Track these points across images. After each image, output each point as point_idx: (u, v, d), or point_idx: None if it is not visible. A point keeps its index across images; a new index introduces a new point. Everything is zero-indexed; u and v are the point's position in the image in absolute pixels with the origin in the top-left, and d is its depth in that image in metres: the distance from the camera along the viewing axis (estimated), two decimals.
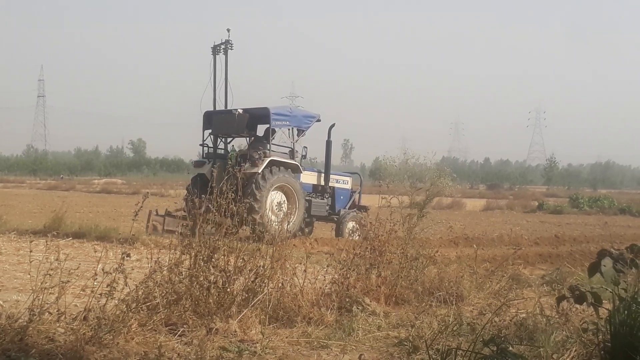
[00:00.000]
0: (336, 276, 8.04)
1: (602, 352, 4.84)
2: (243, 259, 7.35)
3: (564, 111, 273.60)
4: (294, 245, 8.43)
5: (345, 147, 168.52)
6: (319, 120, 19.43)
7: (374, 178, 66.46)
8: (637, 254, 5.52)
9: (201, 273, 6.95)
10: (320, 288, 7.84)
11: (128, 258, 6.50)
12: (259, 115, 18.52)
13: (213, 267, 7.06)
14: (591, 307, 5.31)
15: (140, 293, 6.53)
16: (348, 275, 8.07)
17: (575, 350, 5.81)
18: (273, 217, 16.60)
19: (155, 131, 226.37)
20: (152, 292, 6.58)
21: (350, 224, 19.12)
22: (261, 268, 7.40)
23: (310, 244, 14.70)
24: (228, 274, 7.12)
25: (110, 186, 62.00)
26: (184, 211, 7.35)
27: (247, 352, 6.01)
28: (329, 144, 19.41)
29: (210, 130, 19.08)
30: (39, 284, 5.84)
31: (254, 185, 16.80)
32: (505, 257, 11.79)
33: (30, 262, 6.15)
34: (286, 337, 6.63)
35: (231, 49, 29.05)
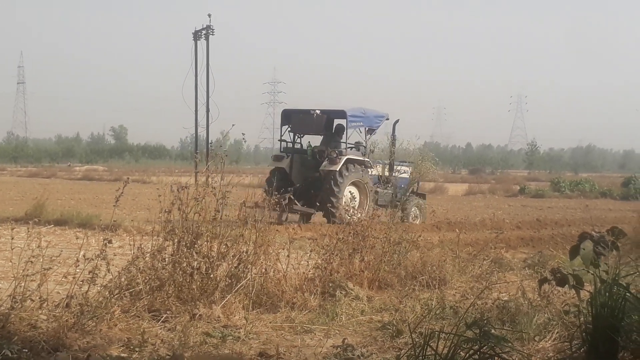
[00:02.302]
0: (319, 261, 8.06)
1: (584, 333, 4.87)
2: (226, 244, 7.36)
3: (545, 96, 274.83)
4: (277, 230, 8.43)
5: None
6: (387, 119, 20.74)
7: None
8: (618, 237, 5.56)
9: (184, 259, 6.95)
10: (304, 273, 7.86)
11: (110, 244, 6.49)
12: (336, 116, 20.05)
13: (196, 253, 7.06)
14: (573, 289, 5.36)
15: (122, 279, 6.52)
16: (331, 260, 8.09)
17: (557, 332, 5.87)
18: (349, 210, 17.59)
19: (136, 117, 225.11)
20: (135, 279, 6.58)
21: (414, 209, 20.44)
22: (244, 254, 7.41)
23: (294, 230, 14.69)
24: (211, 260, 7.12)
25: (91, 173, 61.50)
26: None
27: (230, 337, 6.02)
28: (393, 138, 20.88)
29: (288, 127, 20.17)
30: (21, 271, 5.81)
31: (332, 181, 18.24)
32: (488, 241, 11.84)
33: (12, 249, 6.11)
34: (270, 322, 6.65)
35: (212, 35, 28.98)
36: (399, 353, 5.38)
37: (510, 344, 5.08)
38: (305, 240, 11.41)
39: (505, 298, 7.29)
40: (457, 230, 13.00)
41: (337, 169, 18.35)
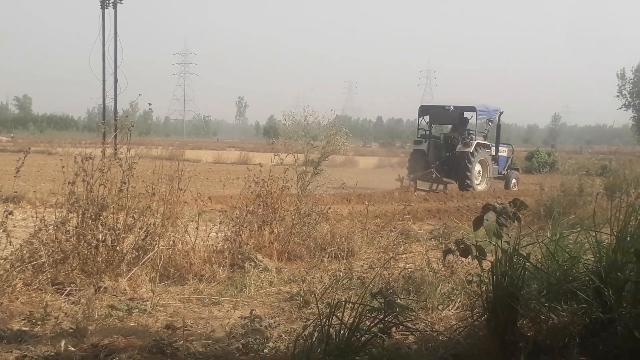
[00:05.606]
0: (229, 233, 8.04)
1: (485, 302, 5.00)
2: (133, 217, 7.25)
3: (453, 70, 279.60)
4: (185, 202, 8.33)
5: (240, 105, 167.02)
6: (501, 112, 26.19)
7: (268, 137, 66.63)
8: (519, 208, 5.71)
9: (89, 231, 6.82)
10: (213, 245, 7.83)
11: (11, 216, 6.32)
12: (466, 110, 25.13)
13: (101, 225, 6.93)
14: (475, 259, 5.48)
15: (24, 252, 6.37)
16: (241, 232, 8.09)
17: (460, 301, 6.03)
18: (476, 181, 24.11)
19: (41, 87, 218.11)
20: (38, 251, 6.44)
21: (514, 180, 25.95)
22: (152, 226, 7.32)
23: (203, 202, 14.56)
24: (117, 232, 7.01)
25: None
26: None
27: (136, 310, 5.96)
28: (498, 127, 26.24)
29: (425, 118, 25.40)
30: None
31: (466, 160, 23.59)
32: (395, 213, 12.02)
33: None
34: (177, 295, 6.61)
35: (121, 3, 28.26)
36: (306, 323, 5.42)
37: (414, 313, 5.20)
38: (215, 213, 11.33)
39: (411, 268, 7.43)
40: (366, 203, 13.16)
41: (470, 151, 23.70)
